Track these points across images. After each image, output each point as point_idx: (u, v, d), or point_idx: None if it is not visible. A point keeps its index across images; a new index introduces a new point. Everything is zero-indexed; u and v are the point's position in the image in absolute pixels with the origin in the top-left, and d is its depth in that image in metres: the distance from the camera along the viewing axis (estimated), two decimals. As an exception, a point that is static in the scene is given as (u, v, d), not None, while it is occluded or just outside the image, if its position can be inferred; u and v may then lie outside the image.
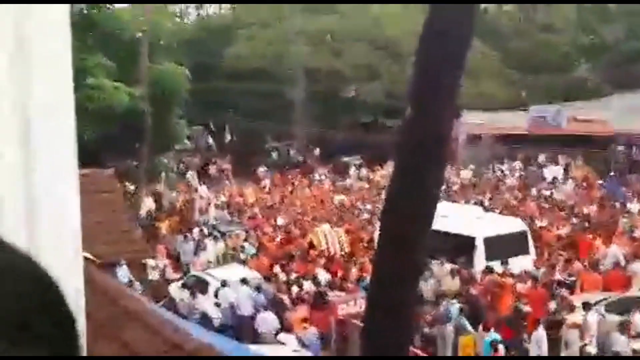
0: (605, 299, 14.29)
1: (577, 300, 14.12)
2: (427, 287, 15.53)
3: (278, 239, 22.33)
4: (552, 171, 33.60)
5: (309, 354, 12.80)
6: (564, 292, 14.93)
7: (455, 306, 13.83)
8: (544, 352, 12.22)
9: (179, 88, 22.80)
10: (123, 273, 16.26)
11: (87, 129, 20.12)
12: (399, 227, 4.18)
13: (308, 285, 15.96)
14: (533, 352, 12.41)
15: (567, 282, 16.33)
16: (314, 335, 13.21)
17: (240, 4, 52.58)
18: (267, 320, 14.47)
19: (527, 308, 13.86)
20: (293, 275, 17.16)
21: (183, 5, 57.07)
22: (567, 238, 20.75)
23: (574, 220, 22.91)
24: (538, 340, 12.35)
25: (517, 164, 36.67)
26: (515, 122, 37.81)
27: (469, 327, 13.16)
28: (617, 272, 16.49)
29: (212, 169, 41.13)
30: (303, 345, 12.92)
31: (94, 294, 7.78)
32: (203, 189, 31.03)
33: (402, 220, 4.12)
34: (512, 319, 13.51)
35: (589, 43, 47.59)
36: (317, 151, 46.59)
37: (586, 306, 13.15)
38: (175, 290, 17.50)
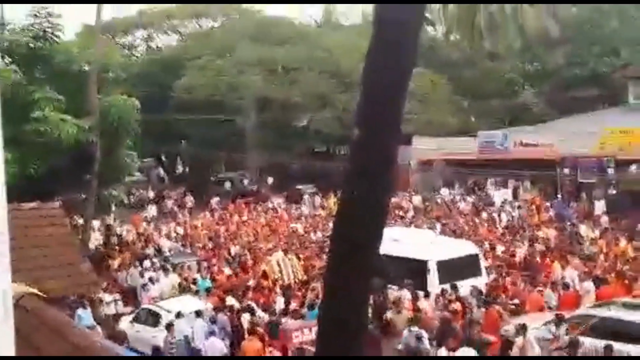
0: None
1: (518, 321, 14.35)
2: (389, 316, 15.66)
3: (231, 270, 22.14)
4: (501, 194, 34.30)
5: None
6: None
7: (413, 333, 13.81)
8: None
9: (128, 119, 22.59)
10: (86, 316, 15.97)
11: (35, 162, 19.80)
12: (347, 249, 4.25)
13: (261, 315, 15.86)
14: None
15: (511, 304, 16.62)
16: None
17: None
18: (215, 347, 14.34)
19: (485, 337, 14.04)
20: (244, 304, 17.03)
21: (131, 38, 56.93)
22: (525, 261, 20.99)
23: (528, 243, 23.17)
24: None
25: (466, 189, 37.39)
26: (465, 147, 38.52)
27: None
28: (571, 294, 16.88)
29: (169, 203, 40.73)
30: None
31: (43, 330, 7.63)
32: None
33: (350, 243, 4.19)
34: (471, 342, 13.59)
35: (533, 70, 49.08)
36: (270, 180, 46.59)
37: (522, 328, 13.23)
38: (126, 324, 17.21)
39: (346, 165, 4.34)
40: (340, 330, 4.29)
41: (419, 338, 13.42)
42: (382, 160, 4.12)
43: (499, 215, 29.82)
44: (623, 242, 22.31)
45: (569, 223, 27.10)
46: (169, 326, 15.54)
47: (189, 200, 41.27)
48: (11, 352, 1.65)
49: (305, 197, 40.18)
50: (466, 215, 30.65)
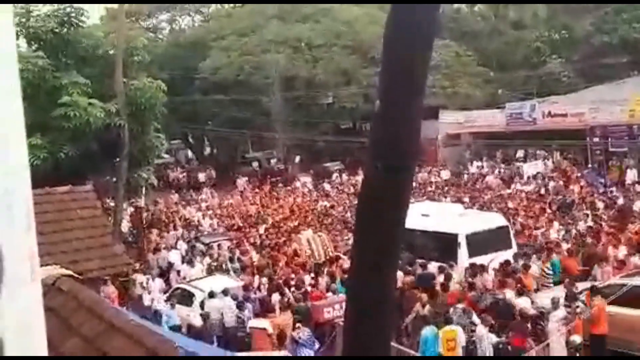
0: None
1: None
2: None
3: (261, 249, 22.33)
4: (531, 167, 33.90)
5: (306, 353, 12.85)
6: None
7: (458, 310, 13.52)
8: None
9: (155, 102, 22.74)
10: (173, 316, 15.87)
11: (65, 146, 20.07)
12: (372, 223, 4.26)
13: (290, 294, 15.95)
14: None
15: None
16: (308, 334, 13.24)
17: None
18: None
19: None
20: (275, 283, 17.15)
21: (155, 20, 57.12)
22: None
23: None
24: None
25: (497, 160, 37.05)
26: (492, 120, 38.15)
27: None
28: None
29: (201, 184, 41.30)
30: (298, 344, 13.01)
31: (80, 311, 7.81)
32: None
33: (374, 217, 4.21)
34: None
35: (560, 38, 48.21)
36: (297, 159, 46.69)
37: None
38: (160, 303, 17.46)
39: (369, 138, 4.33)
40: (367, 306, 4.32)
41: (466, 314, 13.17)
42: (404, 132, 4.10)
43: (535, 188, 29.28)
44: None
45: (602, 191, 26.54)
46: (202, 305, 15.77)
47: (218, 180, 41.61)
48: (41, 320, 1.68)
49: (334, 175, 40.23)
50: (500, 188, 30.24)
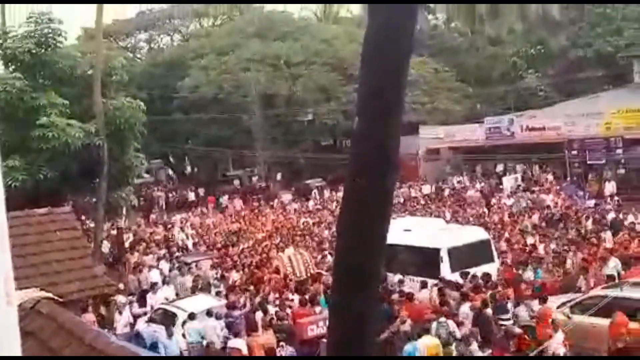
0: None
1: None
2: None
3: (243, 268, 22.21)
4: (511, 180, 34.12)
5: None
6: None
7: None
8: None
9: (135, 122, 22.68)
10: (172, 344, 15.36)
11: (43, 167, 19.92)
12: (353, 239, 4.27)
13: (273, 311, 15.85)
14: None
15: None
16: (291, 352, 13.18)
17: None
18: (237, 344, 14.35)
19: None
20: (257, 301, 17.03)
21: (134, 40, 57.08)
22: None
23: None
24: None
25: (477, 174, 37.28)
26: (472, 134, 38.44)
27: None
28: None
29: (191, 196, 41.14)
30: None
31: (60, 333, 7.70)
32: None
33: (355, 235, 4.22)
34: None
35: (536, 53, 48.84)
36: (279, 176, 46.66)
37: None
38: (142, 324, 17.26)
39: (349, 154, 4.35)
40: (351, 320, 4.32)
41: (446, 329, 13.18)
42: (384, 147, 4.13)
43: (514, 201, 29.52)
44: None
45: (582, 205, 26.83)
46: (184, 325, 15.60)
47: (199, 198, 41.41)
48: (17, 344, 1.65)
49: (314, 191, 40.19)
50: (479, 203, 30.44)
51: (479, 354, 12.23)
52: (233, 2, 53.34)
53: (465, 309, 14.21)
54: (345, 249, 4.35)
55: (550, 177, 33.52)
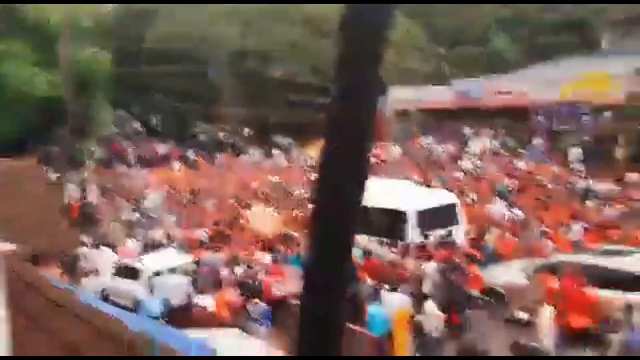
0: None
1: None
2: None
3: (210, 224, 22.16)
4: (478, 144, 34.38)
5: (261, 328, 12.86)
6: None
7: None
8: None
9: (102, 73, 22.25)
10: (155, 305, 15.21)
11: (7, 118, 19.48)
12: (330, 202, 4.27)
13: (240, 269, 15.89)
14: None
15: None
16: (264, 308, 13.22)
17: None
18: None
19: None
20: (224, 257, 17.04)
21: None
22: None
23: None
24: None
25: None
26: (440, 96, 38.47)
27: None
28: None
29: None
30: (254, 320, 13.01)
31: (24, 289, 7.62)
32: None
33: (333, 195, 4.22)
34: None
35: (510, 15, 48.60)
36: (247, 132, 46.28)
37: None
38: (107, 277, 17.19)
39: (327, 115, 4.30)
40: (324, 283, 4.33)
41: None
42: (363, 109, 4.11)
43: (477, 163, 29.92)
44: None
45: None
46: (149, 281, 15.59)
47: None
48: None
49: (275, 151, 39.94)
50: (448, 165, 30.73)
51: (436, 311, 12.39)
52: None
53: (429, 269, 14.51)
54: (321, 210, 4.34)
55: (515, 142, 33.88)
